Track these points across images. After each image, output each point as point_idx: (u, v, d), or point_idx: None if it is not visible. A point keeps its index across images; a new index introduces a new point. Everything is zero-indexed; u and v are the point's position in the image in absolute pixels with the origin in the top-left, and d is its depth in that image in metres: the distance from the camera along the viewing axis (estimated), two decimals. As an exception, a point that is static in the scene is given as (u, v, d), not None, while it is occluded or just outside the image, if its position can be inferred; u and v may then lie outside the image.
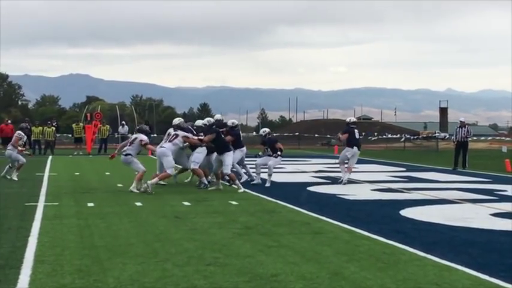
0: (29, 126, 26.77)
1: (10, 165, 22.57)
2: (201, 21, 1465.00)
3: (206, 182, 19.19)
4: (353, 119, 22.59)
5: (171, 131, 20.33)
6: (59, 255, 9.39)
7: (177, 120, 20.20)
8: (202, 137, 19.34)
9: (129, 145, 18.79)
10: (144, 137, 18.93)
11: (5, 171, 22.61)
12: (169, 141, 19.01)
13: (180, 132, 19.20)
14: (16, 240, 10.68)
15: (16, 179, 21.73)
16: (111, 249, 9.84)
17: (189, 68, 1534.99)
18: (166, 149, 18.77)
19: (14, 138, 23.01)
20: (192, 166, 19.41)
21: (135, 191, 17.89)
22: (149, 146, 19.27)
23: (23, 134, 23.32)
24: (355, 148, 21.32)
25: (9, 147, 22.78)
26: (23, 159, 22.48)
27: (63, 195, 17.32)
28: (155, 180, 18.11)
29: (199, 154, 19.39)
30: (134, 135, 19.23)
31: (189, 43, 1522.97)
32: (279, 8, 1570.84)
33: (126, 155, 18.66)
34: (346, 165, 21.44)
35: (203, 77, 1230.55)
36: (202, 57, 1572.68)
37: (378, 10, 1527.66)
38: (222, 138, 19.43)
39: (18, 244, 10.29)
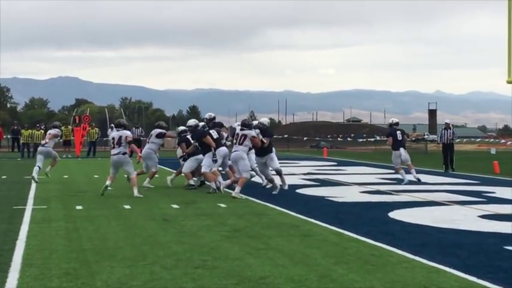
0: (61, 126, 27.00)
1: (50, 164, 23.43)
2: (190, 23, 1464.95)
3: (215, 187, 18.78)
4: (395, 120, 23.57)
5: (152, 132, 21.14)
6: (46, 259, 9.37)
7: (247, 120, 19.80)
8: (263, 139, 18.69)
9: (118, 146, 18.14)
10: (129, 133, 18.53)
11: (48, 169, 23.47)
12: (240, 143, 18.28)
13: (248, 132, 18.36)
14: (4, 243, 10.66)
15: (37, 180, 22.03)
16: (99, 253, 9.83)
17: (178, 70, 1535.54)
18: (240, 151, 18.16)
19: (48, 134, 23.38)
20: (203, 170, 19.24)
21: (140, 195, 17.66)
22: (132, 145, 18.89)
23: (60, 131, 24.24)
24: (401, 149, 22.23)
25: (46, 144, 23.17)
26: (39, 166, 22.71)
27: (52, 198, 17.28)
28: (238, 189, 17.52)
29: (209, 158, 19.18)
30: (118, 134, 18.29)
31: (178, 46, 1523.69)
32: (268, 11, 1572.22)
33: (123, 154, 18.10)
34: (402, 167, 22.60)
35: (192, 79, 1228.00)
36: (191, 60, 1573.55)
37: (366, 12, 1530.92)
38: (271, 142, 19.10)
39: (6, 247, 10.27)
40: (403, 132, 22.98)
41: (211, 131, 19.74)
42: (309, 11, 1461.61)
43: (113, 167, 18.27)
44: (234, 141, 18.61)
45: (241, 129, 18.58)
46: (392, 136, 22.40)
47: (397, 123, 23.15)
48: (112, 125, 25.23)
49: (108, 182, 17.94)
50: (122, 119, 19.96)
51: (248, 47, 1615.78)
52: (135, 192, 17.73)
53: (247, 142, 18.30)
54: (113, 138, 18.34)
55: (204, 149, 19.28)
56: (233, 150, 18.59)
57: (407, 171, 22.46)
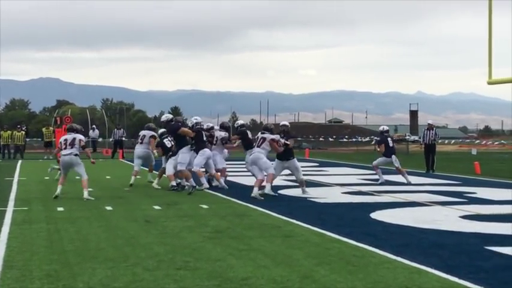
0: (83, 130, 27.11)
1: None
2: (171, 24, 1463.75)
3: (194, 184, 18.85)
4: (386, 128, 24.04)
5: (143, 133, 21.65)
6: (28, 260, 9.33)
7: (288, 124, 19.83)
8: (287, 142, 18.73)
9: (70, 147, 17.83)
10: (82, 137, 18.37)
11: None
12: (258, 146, 18.33)
13: (268, 136, 18.45)
14: (-16, 245, 10.59)
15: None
16: (81, 254, 9.79)
17: (160, 71, 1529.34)
18: (258, 152, 18.24)
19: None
20: (179, 167, 19.20)
21: (91, 198, 17.41)
22: (86, 150, 18.82)
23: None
24: (393, 156, 22.81)
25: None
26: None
27: (33, 200, 17.20)
28: (268, 186, 17.99)
29: (185, 154, 19.15)
30: (71, 136, 18.02)
31: (160, 46, 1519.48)
32: (250, 11, 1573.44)
33: (75, 155, 17.79)
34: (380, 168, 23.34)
35: (174, 80, 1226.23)
36: (172, 61, 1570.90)
37: (348, 13, 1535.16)
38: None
39: (-14, 249, 10.21)
40: (393, 140, 23.60)
41: (203, 132, 20.04)
42: (290, 11, 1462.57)
43: (63, 168, 18.09)
44: (254, 144, 18.72)
45: (262, 133, 18.67)
46: (385, 143, 23.10)
47: (387, 131, 23.84)
48: (93, 126, 25.19)
49: (59, 188, 17.68)
50: (75, 124, 19.96)
51: (229, 48, 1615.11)
52: (85, 194, 17.47)
53: (265, 145, 18.33)
54: (65, 140, 17.98)
55: (179, 143, 19.24)
56: (251, 152, 18.67)
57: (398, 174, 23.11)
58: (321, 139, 75.96)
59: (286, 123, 19.98)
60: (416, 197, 18.04)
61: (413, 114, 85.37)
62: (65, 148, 17.88)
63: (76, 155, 17.86)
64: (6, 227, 12.46)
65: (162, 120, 20.66)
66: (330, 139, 76.49)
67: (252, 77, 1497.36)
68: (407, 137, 67.90)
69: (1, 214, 14.33)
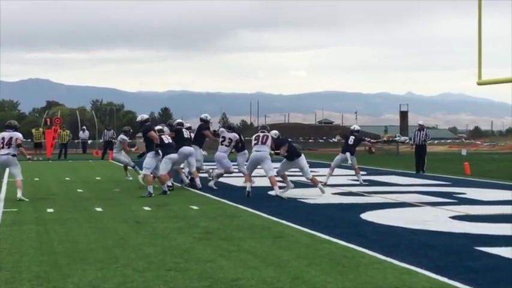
0: (131, 130, 26.81)
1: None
2: (161, 25, 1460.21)
3: (151, 191, 18.38)
4: (357, 127, 24.76)
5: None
6: (17, 262, 9.30)
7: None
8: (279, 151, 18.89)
9: (8, 147, 17.60)
10: (19, 135, 18.07)
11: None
12: (263, 143, 18.49)
13: (268, 134, 18.75)
14: (-26, 247, 10.56)
15: (131, 178, 23.37)
16: (71, 255, 9.77)
17: (150, 72, 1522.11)
18: (266, 152, 18.40)
19: (119, 143, 23.85)
20: (144, 171, 19.04)
21: (24, 198, 17.25)
22: (21, 149, 18.19)
23: (127, 138, 24.10)
24: (347, 153, 22.97)
25: (115, 150, 24.20)
26: (131, 163, 23.71)
27: (22, 201, 17.13)
28: (278, 189, 17.99)
29: (152, 159, 18.98)
30: (8, 134, 17.78)
31: (150, 47, 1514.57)
32: (240, 12, 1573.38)
33: (13, 155, 17.63)
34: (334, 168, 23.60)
35: (164, 81, 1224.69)
36: (162, 62, 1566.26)
37: (338, 14, 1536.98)
38: (292, 145, 19.48)
39: (-25, 251, 10.17)
40: (358, 140, 23.76)
41: (183, 130, 20.66)
42: (280, 12, 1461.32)
43: (1, 167, 18.05)
44: (255, 141, 18.75)
45: (262, 132, 18.93)
46: (344, 138, 23.97)
47: (357, 131, 24.11)
48: (83, 127, 25.12)
49: None
50: (13, 120, 19.45)
51: (220, 48, 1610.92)
52: (19, 194, 17.35)
53: (269, 142, 18.54)
54: (3, 139, 17.78)
55: (148, 145, 19.15)
56: (256, 150, 18.65)
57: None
58: (310, 140, 75.85)
59: (274, 133, 19.38)
60: (407, 198, 18.06)
61: (403, 115, 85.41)
62: (2, 148, 17.70)
63: (14, 155, 17.70)
64: (-5, 229, 12.43)
65: (137, 120, 20.57)
66: (320, 140, 76.46)
67: (242, 77, 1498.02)
68: (397, 138, 67.96)
69: (-10, 215, 14.29)
